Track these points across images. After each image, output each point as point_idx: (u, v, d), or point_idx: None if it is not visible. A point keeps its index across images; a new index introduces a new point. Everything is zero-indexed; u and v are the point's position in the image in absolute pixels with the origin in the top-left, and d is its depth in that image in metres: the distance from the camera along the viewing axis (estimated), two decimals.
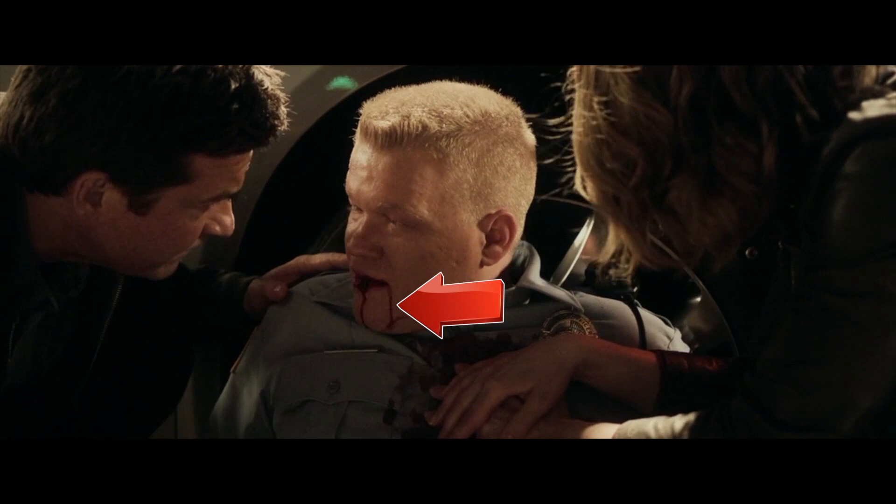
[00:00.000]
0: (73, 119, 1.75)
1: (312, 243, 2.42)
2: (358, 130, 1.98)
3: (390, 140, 1.92)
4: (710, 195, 1.62)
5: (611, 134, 1.64)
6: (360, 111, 1.99)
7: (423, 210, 1.93)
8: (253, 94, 1.81)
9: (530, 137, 2.02)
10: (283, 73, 1.87)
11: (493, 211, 1.98)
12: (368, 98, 2.00)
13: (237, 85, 1.79)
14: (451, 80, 2.03)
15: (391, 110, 1.93)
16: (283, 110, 1.87)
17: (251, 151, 1.89)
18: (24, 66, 1.80)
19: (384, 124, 1.92)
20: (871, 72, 1.62)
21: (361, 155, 1.96)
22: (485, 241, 2.00)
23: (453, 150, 1.93)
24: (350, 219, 2.02)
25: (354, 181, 1.97)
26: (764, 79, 1.58)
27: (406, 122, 1.92)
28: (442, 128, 1.93)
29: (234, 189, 1.90)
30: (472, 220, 1.97)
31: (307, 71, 2.33)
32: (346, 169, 1.99)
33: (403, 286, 1.98)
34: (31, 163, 1.79)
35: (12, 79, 1.81)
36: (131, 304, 2.10)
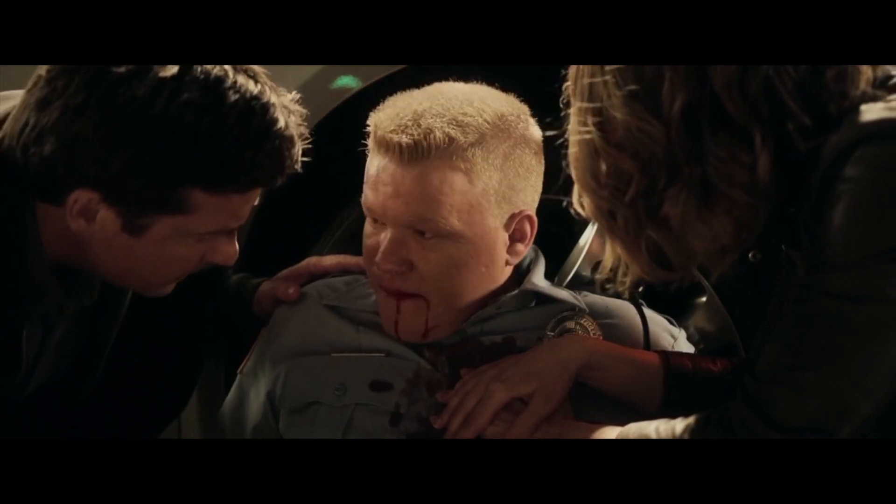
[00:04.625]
0: (70, 135, 1.73)
1: (314, 244, 2.42)
2: (373, 144, 1.94)
3: (417, 154, 1.89)
4: (704, 206, 1.61)
5: (605, 149, 1.64)
6: (370, 124, 1.95)
7: (454, 221, 1.92)
8: (262, 133, 1.75)
9: (537, 132, 2.01)
10: (304, 111, 1.80)
11: (515, 211, 1.98)
12: (371, 98, 1.98)
13: (244, 123, 1.73)
14: (454, 80, 2.02)
15: (409, 123, 1.90)
16: (295, 152, 1.79)
17: (258, 190, 1.82)
18: (37, 73, 1.77)
19: (406, 139, 1.89)
20: (867, 74, 1.61)
21: (383, 170, 1.92)
22: (508, 241, 2.00)
23: (479, 159, 1.92)
24: (367, 232, 1.99)
25: (377, 196, 1.93)
26: (756, 85, 1.57)
27: (431, 136, 1.89)
28: (467, 138, 1.91)
29: (235, 225, 1.84)
30: (499, 223, 1.97)
31: (310, 69, 2.32)
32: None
33: (439, 296, 1.97)
34: (31, 169, 1.77)
35: (29, 81, 1.79)
36: (141, 305, 2.09)
